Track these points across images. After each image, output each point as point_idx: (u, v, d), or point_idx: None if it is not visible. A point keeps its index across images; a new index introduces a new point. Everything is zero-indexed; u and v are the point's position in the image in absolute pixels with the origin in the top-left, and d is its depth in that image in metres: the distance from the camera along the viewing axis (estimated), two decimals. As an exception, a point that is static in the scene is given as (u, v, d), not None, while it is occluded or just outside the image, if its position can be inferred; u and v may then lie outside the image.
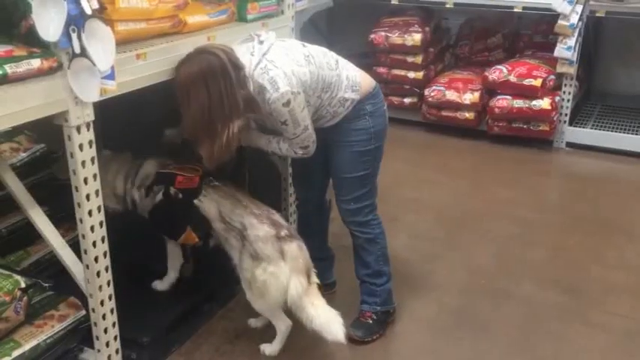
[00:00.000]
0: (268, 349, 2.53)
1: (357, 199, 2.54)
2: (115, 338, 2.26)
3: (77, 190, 2.00)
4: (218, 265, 2.62)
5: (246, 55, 2.25)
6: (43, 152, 2.81)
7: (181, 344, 2.58)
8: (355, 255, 2.68)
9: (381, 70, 5.09)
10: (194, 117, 2.20)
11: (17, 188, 2.14)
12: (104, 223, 2.09)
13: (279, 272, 2.34)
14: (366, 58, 4.94)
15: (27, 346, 2.14)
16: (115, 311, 2.22)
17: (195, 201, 2.45)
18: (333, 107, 2.41)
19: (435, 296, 2.96)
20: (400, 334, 2.71)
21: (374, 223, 2.61)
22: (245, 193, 2.52)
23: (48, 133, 2.10)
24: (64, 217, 2.50)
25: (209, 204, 2.45)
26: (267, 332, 2.57)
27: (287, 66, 2.23)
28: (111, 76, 1.92)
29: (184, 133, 2.36)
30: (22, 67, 1.74)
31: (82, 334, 2.32)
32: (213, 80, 2.15)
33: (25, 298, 2.15)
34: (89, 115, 1.94)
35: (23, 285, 2.15)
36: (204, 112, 2.17)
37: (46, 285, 2.34)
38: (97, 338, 2.22)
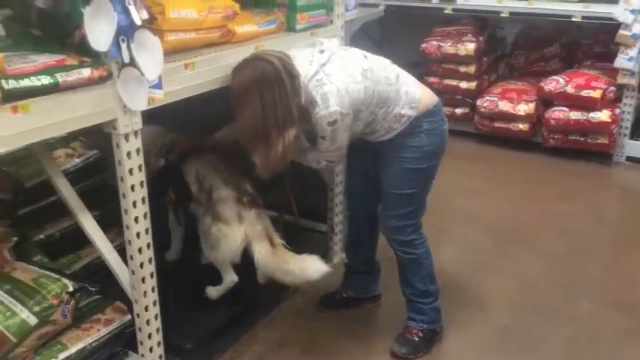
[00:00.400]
0: (213, 292, 2.68)
1: (399, 217, 2.47)
2: (159, 344, 2.28)
3: (124, 197, 2.03)
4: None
5: (305, 63, 2.22)
6: (97, 158, 2.89)
7: (224, 352, 2.58)
8: (400, 274, 2.62)
9: (433, 79, 5.01)
10: (247, 125, 2.18)
11: (68, 193, 2.19)
12: (150, 230, 2.12)
13: (232, 234, 2.52)
14: (418, 67, 4.87)
15: (73, 349, 2.19)
16: (159, 317, 2.24)
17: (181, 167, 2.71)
18: (389, 122, 2.35)
19: (483, 313, 2.87)
20: (446, 353, 2.63)
21: (417, 243, 2.52)
22: (229, 166, 2.66)
23: (101, 139, 2.14)
24: (114, 222, 2.54)
25: (190, 167, 2.69)
26: (311, 340, 2.55)
27: (342, 83, 2.19)
28: (158, 86, 1.94)
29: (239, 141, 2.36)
30: (73, 75, 1.77)
31: (126, 339, 2.35)
32: (267, 88, 2.13)
33: (72, 302, 2.19)
34: (137, 124, 1.98)
35: (71, 289, 2.19)
36: (258, 120, 2.15)
37: (93, 289, 2.38)
38: (141, 343, 2.24)
